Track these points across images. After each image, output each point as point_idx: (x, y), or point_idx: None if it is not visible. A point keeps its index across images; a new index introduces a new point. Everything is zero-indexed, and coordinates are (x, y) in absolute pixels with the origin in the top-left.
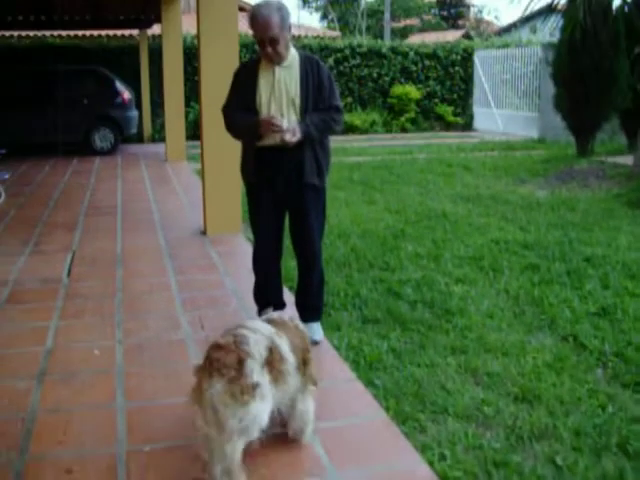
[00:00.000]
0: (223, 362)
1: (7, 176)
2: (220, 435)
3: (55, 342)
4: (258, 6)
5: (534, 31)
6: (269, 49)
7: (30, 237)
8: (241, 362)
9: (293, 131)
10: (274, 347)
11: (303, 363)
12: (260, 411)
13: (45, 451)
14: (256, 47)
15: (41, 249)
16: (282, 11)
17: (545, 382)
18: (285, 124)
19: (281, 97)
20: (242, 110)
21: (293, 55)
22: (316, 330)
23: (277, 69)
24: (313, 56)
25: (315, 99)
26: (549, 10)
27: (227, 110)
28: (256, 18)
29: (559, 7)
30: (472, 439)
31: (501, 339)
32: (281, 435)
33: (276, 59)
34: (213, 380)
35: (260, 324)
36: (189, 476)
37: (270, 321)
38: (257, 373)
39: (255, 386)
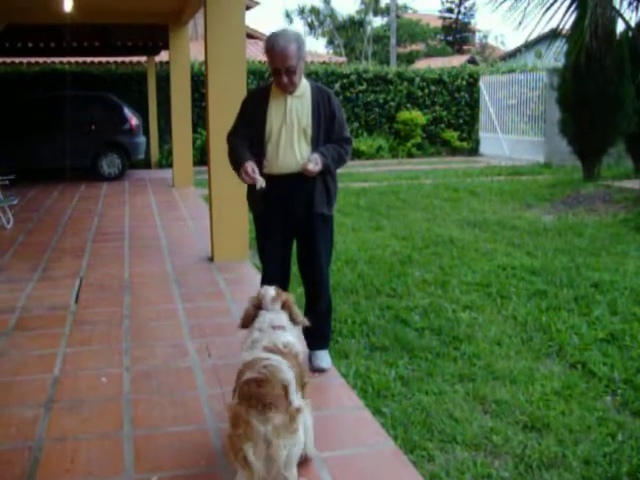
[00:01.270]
0: (273, 395)
1: (16, 201)
2: (272, 466)
3: (62, 369)
4: (275, 35)
5: (539, 56)
6: (285, 79)
7: (38, 263)
8: (286, 390)
9: (315, 161)
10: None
11: (302, 387)
12: (302, 435)
13: None
14: (265, 74)
15: (49, 275)
16: (299, 41)
17: (554, 410)
18: (260, 183)
19: (292, 126)
20: (248, 138)
21: (305, 85)
22: (324, 358)
23: (289, 98)
24: (324, 87)
25: (327, 130)
26: (554, 35)
27: (231, 137)
28: (273, 48)
29: (564, 32)
30: (481, 468)
31: (509, 366)
32: None
33: (291, 89)
34: (269, 415)
35: (269, 355)
36: None
37: (272, 351)
38: (297, 398)
39: (299, 411)
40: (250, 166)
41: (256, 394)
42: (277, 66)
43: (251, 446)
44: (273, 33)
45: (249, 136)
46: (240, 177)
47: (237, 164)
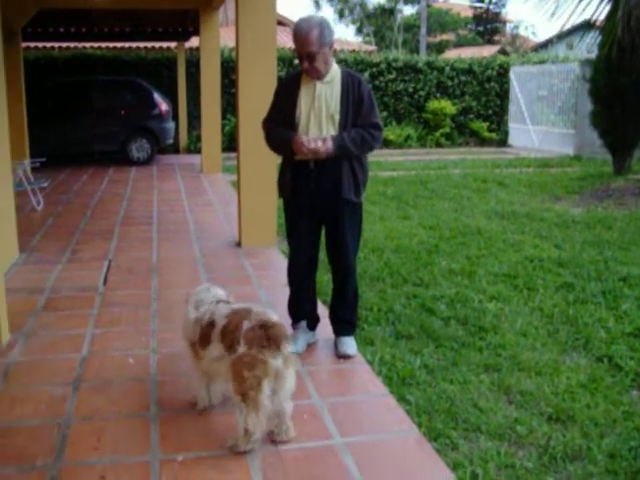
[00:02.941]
0: (278, 332)
1: (46, 184)
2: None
3: (90, 350)
4: (300, 20)
5: (571, 47)
6: (306, 64)
7: (68, 245)
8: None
9: (323, 141)
10: None
11: None
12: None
13: (80, 457)
14: (294, 61)
15: (78, 257)
16: (322, 27)
17: (579, 403)
18: (315, 145)
19: (321, 112)
20: (282, 123)
21: (335, 71)
22: (349, 344)
23: (318, 84)
24: (355, 73)
25: (355, 115)
26: (587, 26)
27: (266, 123)
28: (296, 33)
29: (598, 23)
30: (504, 458)
31: (535, 358)
32: (308, 448)
33: (314, 74)
34: (281, 350)
35: (241, 304)
36: None
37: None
38: None
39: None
40: (299, 136)
41: (266, 335)
42: (299, 51)
43: (268, 382)
44: (300, 18)
45: (283, 122)
46: (288, 150)
47: (281, 142)
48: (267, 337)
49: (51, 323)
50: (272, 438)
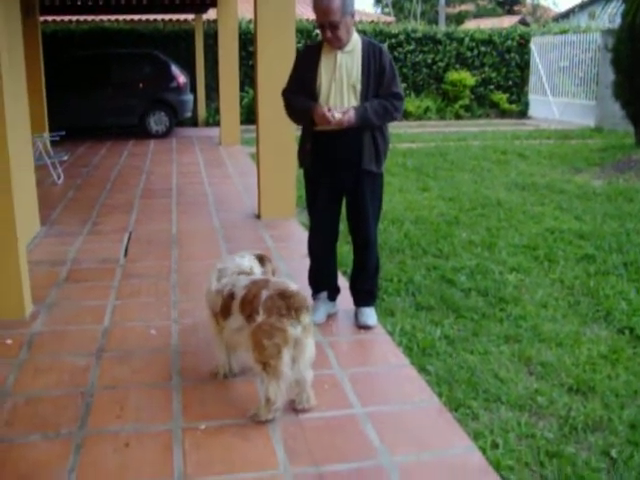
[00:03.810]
0: (297, 302)
1: (66, 157)
2: (295, 367)
3: (112, 320)
4: None
5: (593, 17)
6: (329, 34)
7: (88, 217)
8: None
9: (345, 112)
10: None
11: None
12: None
13: (103, 425)
14: (312, 33)
15: (98, 229)
16: None
17: (600, 374)
18: (338, 116)
19: (342, 82)
20: (302, 93)
21: (356, 40)
22: (370, 315)
23: (339, 54)
24: (376, 42)
25: (376, 85)
26: None
27: (286, 93)
28: (317, 2)
29: None
30: (525, 428)
31: (555, 329)
32: (329, 417)
33: (336, 44)
34: (299, 318)
35: (260, 276)
36: (245, 453)
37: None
38: None
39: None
40: (321, 107)
41: (285, 304)
42: (321, 21)
43: (287, 350)
44: None
45: (303, 92)
46: (309, 120)
47: (302, 112)
48: (286, 306)
49: (73, 295)
50: (293, 407)
